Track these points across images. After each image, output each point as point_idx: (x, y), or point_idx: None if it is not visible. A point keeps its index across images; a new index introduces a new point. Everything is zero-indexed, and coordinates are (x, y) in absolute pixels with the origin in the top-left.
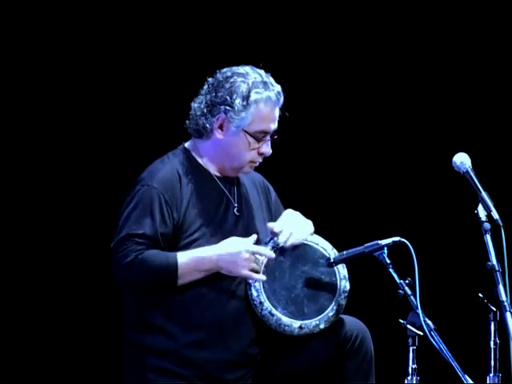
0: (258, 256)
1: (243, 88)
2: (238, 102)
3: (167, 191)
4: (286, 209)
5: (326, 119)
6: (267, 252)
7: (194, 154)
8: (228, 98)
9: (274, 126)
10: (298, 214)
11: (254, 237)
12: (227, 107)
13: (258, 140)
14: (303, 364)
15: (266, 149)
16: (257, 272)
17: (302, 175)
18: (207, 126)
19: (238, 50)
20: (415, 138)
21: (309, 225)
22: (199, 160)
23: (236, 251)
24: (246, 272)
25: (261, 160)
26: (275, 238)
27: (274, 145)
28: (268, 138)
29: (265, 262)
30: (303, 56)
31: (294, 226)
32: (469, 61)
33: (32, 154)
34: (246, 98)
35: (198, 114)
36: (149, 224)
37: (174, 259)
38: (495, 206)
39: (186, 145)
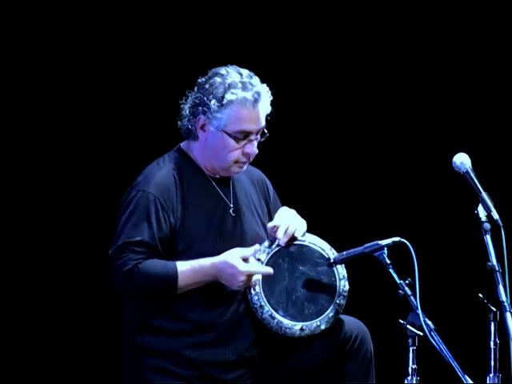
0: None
1: (220, 89)
2: (213, 102)
3: (163, 196)
4: (281, 206)
5: (327, 119)
6: (264, 270)
7: (189, 155)
8: (205, 98)
9: (256, 126)
10: (292, 211)
11: (254, 248)
12: (204, 108)
13: (239, 140)
14: (303, 364)
15: (250, 149)
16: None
17: (301, 175)
18: (190, 127)
19: (238, 51)
20: (415, 138)
21: (303, 222)
22: (194, 161)
23: (231, 272)
24: (238, 288)
25: (247, 160)
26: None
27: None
28: (252, 137)
29: (265, 262)
30: (303, 55)
31: (289, 221)
32: (469, 61)
33: (28, 156)
34: (221, 98)
35: (184, 115)
36: (146, 230)
37: (173, 269)
38: (495, 207)
39: (182, 145)
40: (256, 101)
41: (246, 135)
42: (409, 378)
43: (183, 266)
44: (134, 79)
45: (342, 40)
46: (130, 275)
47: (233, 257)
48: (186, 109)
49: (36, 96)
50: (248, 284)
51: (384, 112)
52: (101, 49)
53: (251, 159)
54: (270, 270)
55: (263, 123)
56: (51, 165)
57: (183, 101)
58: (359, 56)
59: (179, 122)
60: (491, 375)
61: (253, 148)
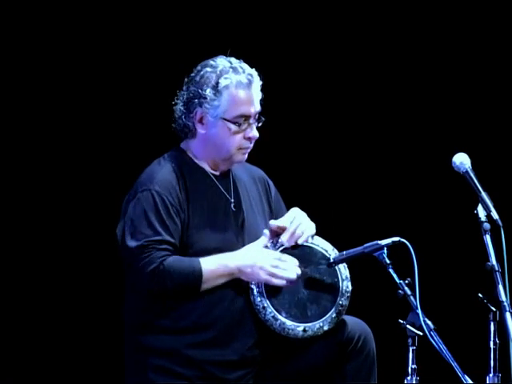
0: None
1: (212, 77)
2: (208, 91)
3: (170, 193)
4: (284, 205)
5: (327, 119)
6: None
7: (188, 154)
8: (199, 90)
9: (253, 108)
10: (303, 213)
11: (264, 239)
12: (201, 99)
13: (239, 125)
14: (306, 364)
15: (252, 132)
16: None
17: (301, 175)
18: (188, 123)
19: (237, 51)
20: (415, 138)
21: (312, 225)
22: (194, 159)
23: (260, 264)
24: (265, 277)
25: (250, 145)
26: (279, 239)
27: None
28: (251, 121)
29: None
30: (303, 55)
31: (297, 225)
32: (469, 61)
33: (28, 157)
34: (216, 85)
35: (179, 114)
36: (162, 228)
37: (198, 265)
38: (495, 207)
39: (181, 145)
40: (250, 82)
41: (245, 119)
42: (408, 377)
43: (207, 263)
44: (133, 81)
45: (342, 41)
46: (155, 273)
47: (258, 248)
48: (180, 107)
49: (36, 97)
50: (274, 272)
51: (384, 112)
52: (100, 49)
53: (252, 144)
54: (293, 275)
55: (259, 107)
56: (50, 165)
57: (175, 101)
58: (359, 57)
59: (173, 124)
60: (491, 375)
61: (253, 132)
